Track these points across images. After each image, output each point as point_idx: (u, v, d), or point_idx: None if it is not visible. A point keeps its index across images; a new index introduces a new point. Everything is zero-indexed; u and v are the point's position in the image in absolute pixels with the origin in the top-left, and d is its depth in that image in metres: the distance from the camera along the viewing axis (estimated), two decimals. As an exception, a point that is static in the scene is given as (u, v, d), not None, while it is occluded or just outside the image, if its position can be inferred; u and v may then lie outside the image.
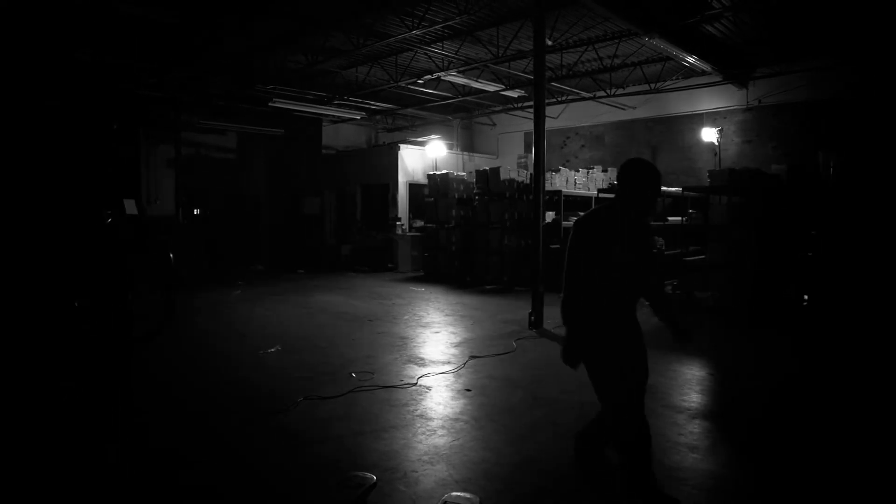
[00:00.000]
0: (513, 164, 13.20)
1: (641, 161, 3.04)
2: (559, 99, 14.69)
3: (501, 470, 3.39)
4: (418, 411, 4.39)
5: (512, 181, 11.74)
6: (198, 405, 4.62)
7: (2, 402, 3.30)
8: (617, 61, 11.86)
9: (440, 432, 3.97)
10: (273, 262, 15.77)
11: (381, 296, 10.54)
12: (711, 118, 13.56)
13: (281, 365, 5.77)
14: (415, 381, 5.13)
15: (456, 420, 4.21)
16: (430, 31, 10.06)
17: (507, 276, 11.59)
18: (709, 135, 13.20)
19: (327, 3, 9.00)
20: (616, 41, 10.58)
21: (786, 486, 3.27)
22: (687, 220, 10.11)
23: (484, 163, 16.19)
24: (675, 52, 10.19)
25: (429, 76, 12.29)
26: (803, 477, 3.40)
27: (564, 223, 11.27)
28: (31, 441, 3.28)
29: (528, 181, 11.50)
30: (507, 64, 11.83)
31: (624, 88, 13.34)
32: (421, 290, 11.43)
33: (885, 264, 7.47)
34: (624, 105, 14.63)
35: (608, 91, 13.53)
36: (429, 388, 4.99)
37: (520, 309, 8.44)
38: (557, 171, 12.57)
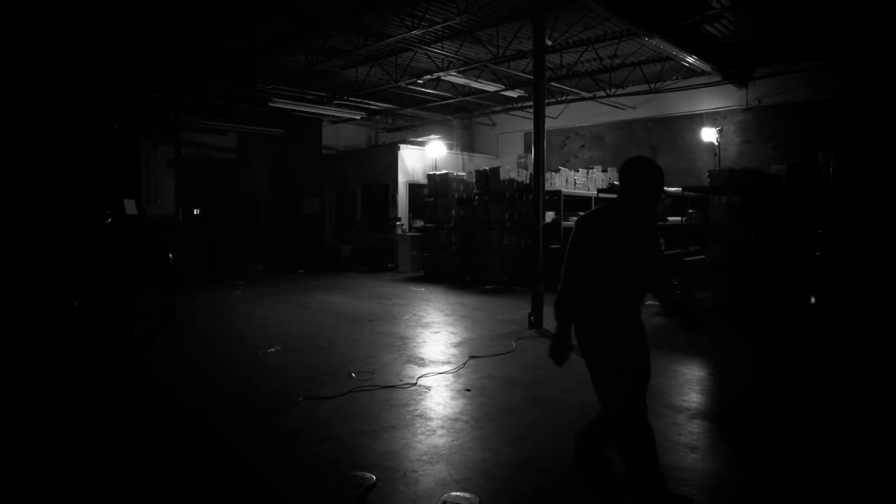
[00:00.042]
0: (513, 164, 13.20)
1: (642, 159, 3.01)
2: (559, 99, 14.70)
3: (501, 470, 3.39)
4: (418, 411, 4.40)
5: (512, 181, 11.74)
6: (198, 405, 4.62)
7: (2, 402, 3.30)
8: (617, 61, 11.86)
9: (440, 432, 3.97)
10: (273, 262, 15.77)
11: (381, 296, 10.54)
12: (711, 118, 13.57)
13: (281, 365, 5.77)
14: (414, 381, 5.13)
15: (455, 420, 4.22)
16: (429, 32, 10.06)
17: (506, 276, 11.60)
18: (709, 135, 13.20)
19: (327, 3, 9.00)
20: (616, 41, 10.58)
21: (786, 486, 3.27)
22: (687, 220, 10.11)
23: (484, 163, 16.19)
24: (674, 52, 10.19)
25: (429, 76, 12.30)
26: (803, 477, 3.40)
27: (564, 223, 11.28)
28: (31, 441, 3.28)
29: (527, 181, 11.50)
30: (506, 64, 11.83)
31: (624, 88, 13.34)
32: (421, 290, 11.43)
33: (886, 264, 7.47)
34: (624, 105, 14.64)
35: (608, 91, 13.54)
36: (428, 388, 4.99)
37: (520, 309, 8.44)
38: (557, 171, 12.58)
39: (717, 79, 12.21)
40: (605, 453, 3.36)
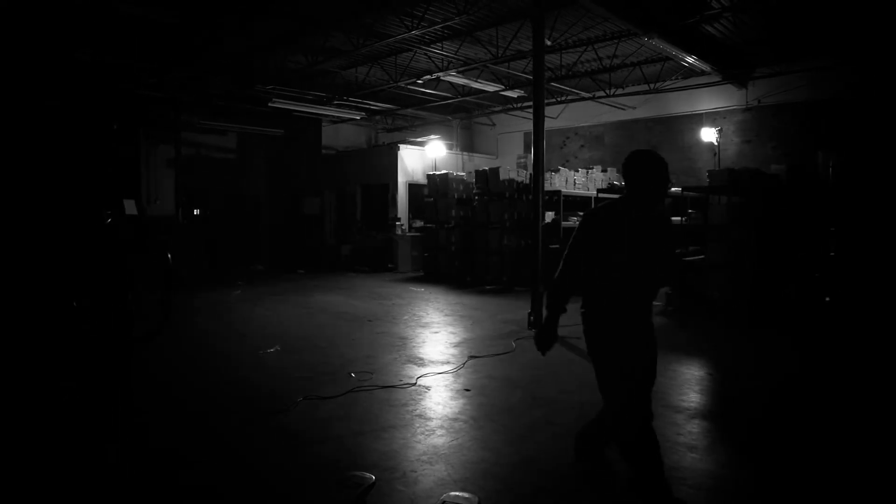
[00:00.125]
0: (512, 164, 13.20)
1: (644, 152, 2.90)
2: (559, 99, 14.70)
3: (500, 470, 3.40)
4: (417, 411, 4.40)
5: (511, 181, 11.74)
6: (198, 405, 4.62)
7: (2, 402, 3.31)
8: (616, 61, 11.87)
9: (439, 432, 3.97)
10: (273, 262, 15.78)
11: (380, 296, 10.55)
12: (711, 118, 13.57)
13: (281, 365, 5.77)
14: (414, 381, 5.14)
15: (455, 420, 4.22)
16: (429, 32, 10.06)
17: (506, 276, 11.60)
18: (708, 135, 13.21)
19: (327, 3, 9.00)
20: (615, 41, 10.59)
21: (785, 485, 3.27)
22: (686, 220, 10.11)
23: (483, 163, 16.20)
24: (674, 52, 10.20)
25: (428, 76, 12.30)
26: (803, 477, 3.40)
27: (564, 223, 11.29)
28: (31, 441, 3.29)
29: (527, 181, 11.50)
30: (506, 64, 11.83)
31: (623, 88, 13.35)
32: (421, 290, 11.43)
33: (886, 264, 7.47)
34: (623, 105, 14.64)
35: (608, 91, 13.54)
36: (428, 388, 5.00)
37: (519, 309, 8.45)
38: (557, 171, 12.58)
39: (717, 79, 12.21)
40: (605, 453, 3.36)
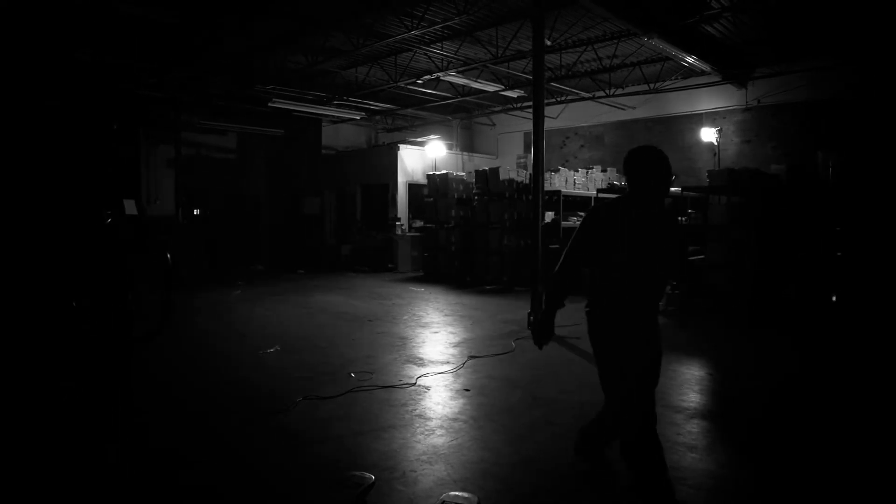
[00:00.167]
0: (512, 164, 13.21)
1: (643, 148, 2.84)
2: (558, 99, 14.70)
3: (500, 470, 3.40)
4: (417, 411, 4.40)
5: (511, 181, 11.75)
6: (198, 405, 4.63)
7: (2, 402, 3.31)
8: (616, 61, 11.87)
9: (439, 432, 3.98)
10: (273, 262, 15.78)
11: (380, 296, 10.55)
12: (711, 118, 13.57)
13: (281, 365, 5.77)
14: (414, 381, 5.14)
15: (455, 420, 4.22)
16: (429, 32, 10.06)
17: (506, 276, 11.60)
18: (708, 135, 13.21)
19: (327, 3, 9.01)
20: (615, 41, 10.59)
21: (785, 485, 3.27)
22: (686, 221, 10.12)
23: (483, 163, 16.20)
24: (674, 52, 10.20)
25: (428, 76, 12.30)
26: (803, 477, 3.40)
27: (564, 223, 11.30)
28: (31, 441, 3.29)
29: (527, 181, 11.51)
30: (506, 64, 11.83)
31: (623, 88, 13.35)
32: (420, 290, 11.44)
33: (889, 264, 7.47)
34: (623, 105, 14.64)
35: (607, 91, 13.54)
36: (428, 388, 5.00)
37: (519, 309, 8.45)
38: (557, 171, 12.59)
39: (717, 79, 12.21)
40: (605, 453, 3.36)
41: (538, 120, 7.77)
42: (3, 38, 9.36)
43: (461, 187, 12.93)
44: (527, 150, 14.44)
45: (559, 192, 11.56)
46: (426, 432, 3.97)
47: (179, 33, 10.10)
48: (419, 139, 16.96)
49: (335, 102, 14.86)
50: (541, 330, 2.96)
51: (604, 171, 13.60)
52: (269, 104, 13.88)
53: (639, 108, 14.58)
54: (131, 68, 11.71)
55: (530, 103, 8.68)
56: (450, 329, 7.59)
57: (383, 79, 13.18)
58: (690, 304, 8.89)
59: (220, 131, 15.43)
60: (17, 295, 3.52)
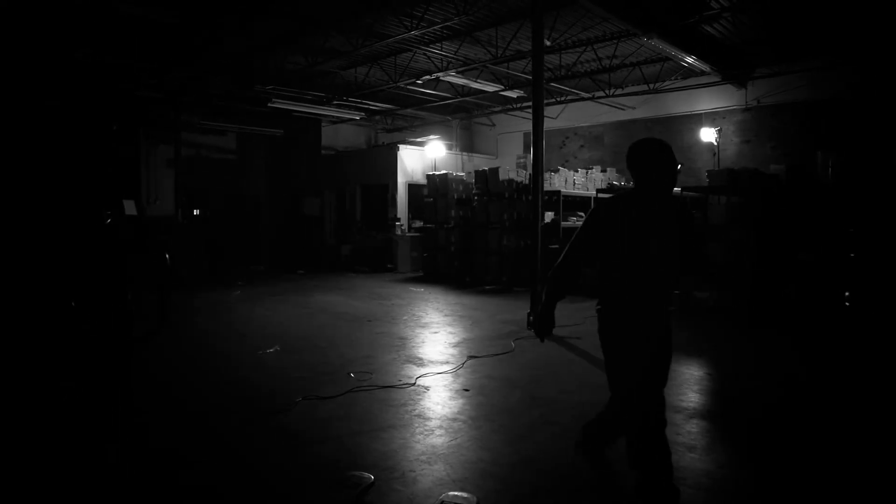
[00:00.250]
0: (512, 165, 13.21)
1: (643, 141, 2.78)
2: (558, 99, 14.71)
3: (499, 470, 3.40)
4: (416, 411, 4.40)
5: (511, 181, 11.75)
6: (198, 405, 4.63)
7: (2, 402, 3.31)
8: (616, 62, 11.87)
9: (438, 432, 3.98)
10: (273, 262, 15.80)
11: (380, 296, 10.55)
12: (710, 118, 13.58)
13: (281, 365, 5.78)
14: (413, 382, 5.14)
15: (454, 420, 4.22)
16: (429, 32, 10.07)
17: (506, 277, 11.60)
18: (707, 135, 13.21)
19: (327, 3, 9.01)
20: (615, 41, 10.60)
21: (785, 485, 3.28)
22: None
23: (483, 163, 16.20)
24: (673, 52, 10.20)
25: (428, 77, 12.31)
26: (803, 477, 3.40)
27: (563, 223, 11.30)
28: (31, 441, 3.29)
29: (527, 181, 11.51)
30: (505, 64, 11.84)
31: (623, 89, 13.35)
32: (420, 290, 11.44)
33: (886, 264, 7.48)
34: (623, 105, 14.64)
35: (607, 91, 13.55)
36: (427, 388, 5.00)
37: (519, 309, 8.46)
38: (556, 171, 12.59)
39: (717, 79, 12.22)
40: (604, 452, 3.35)
41: (538, 120, 7.78)
42: (3, 38, 9.36)
43: (461, 187, 12.93)
44: (526, 150, 14.46)
45: (559, 192, 11.56)
46: (425, 432, 3.98)
47: (179, 33, 10.10)
48: (419, 139, 16.97)
49: (335, 102, 14.87)
50: (542, 322, 2.95)
51: (603, 171, 13.60)
52: (269, 104, 13.89)
53: (638, 108, 14.58)
54: (131, 68, 11.72)
55: (530, 103, 8.69)
56: (449, 329, 7.60)
57: (383, 79, 13.18)
58: (690, 304, 8.90)
59: (219, 131, 15.44)
60: (16, 295, 3.52)
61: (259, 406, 4.50)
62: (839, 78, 11.35)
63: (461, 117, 17.65)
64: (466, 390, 4.94)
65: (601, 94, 13.73)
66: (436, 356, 6.13)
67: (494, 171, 12.13)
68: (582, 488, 3.21)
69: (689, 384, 5.14)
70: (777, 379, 5.51)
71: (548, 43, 10.14)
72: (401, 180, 15.79)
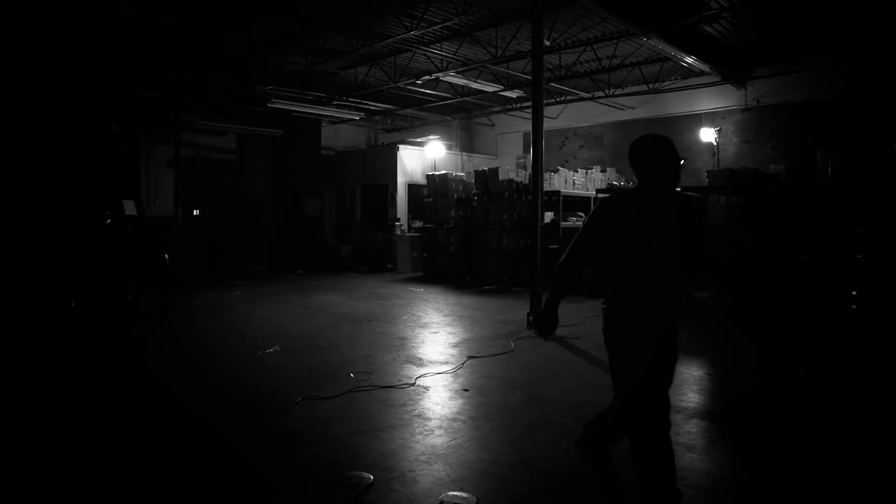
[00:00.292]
0: (512, 165, 13.21)
1: (642, 138, 2.74)
2: (558, 99, 14.71)
3: (499, 470, 3.40)
4: (416, 411, 4.41)
5: (511, 181, 11.75)
6: (198, 405, 4.63)
7: (2, 402, 3.32)
8: (615, 62, 11.88)
9: (438, 432, 3.98)
10: (273, 262, 15.80)
11: (380, 296, 10.55)
12: (710, 118, 13.58)
13: (280, 365, 5.78)
14: (413, 382, 5.14)
15: (454, 420, 4.23)
16: (428, 32, 10.07)
17: (505, 277, 11.61)
18: (707, 135, 13.22)
19: (327, 3, 9.02)
20: (614, 42, 10.60)
21: (785, 485, 3.28)
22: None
23: (483, 163, 16.19)
24: (673, 52, 10.21)
25: (428, 77, 12.31)
26: (803, 477, 3.40)
27: (563, 223, 11.31)
28: (31, 441, 3.29)
29: (526, 181, 11.50)
30: (505, 64, 11.84)
31: (622, 89, 13.35)
32: (420, 290, 11.44)
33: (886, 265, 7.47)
34: (623, 105, 14.65)
35: (607, 91, 13.55)
36: (427, 388, 5.00)
37: (518, 309, 8.46)
38: (556, 171, 12.60)
39: (716, 79, 12.22)
40: (607, 451, 3.34)
41: (537, 120, 7.78)
42: (3, 38, 9.36)
43: (461, 187, 12.93)
44: (526, 150, 14.47)
45: (558, 192, 11.57)
46: (425, 432, 3.98)
47: (179, 33, 10.10)
48: (419, 139, 16.97)
49: (335, 103, 14.87)
50: (546, 321, 2.94)
51: (603, 171, 13.60)
52: (269, 104, 13.89)
53: (638, 108, 14.59)
54: (131, 68, 11.72)
55: (529, 103, 8.70)
56: (449, 329, 7.60)
57: (383, 79, 13.19)
58: (690, 304, 8.90)
59: (219, 131, 15.44)
60: (16, 295, 3.53)
61: (259, 406, 4.50)
62: (839, 78, 11.36)
63: (461, 117, 17.66)
64: (466, 390, 4.94)
65: (601, 94, 13.73)
66: (435, 356, 6.13)
67: (494, 171, 12.14)
68: (582, 488, 3.21)
69: (689, 384, 5.14)
70: (777, 379, 5.51)
71: (547, 43, 10.15)
72: (400, 180, 15.79)
